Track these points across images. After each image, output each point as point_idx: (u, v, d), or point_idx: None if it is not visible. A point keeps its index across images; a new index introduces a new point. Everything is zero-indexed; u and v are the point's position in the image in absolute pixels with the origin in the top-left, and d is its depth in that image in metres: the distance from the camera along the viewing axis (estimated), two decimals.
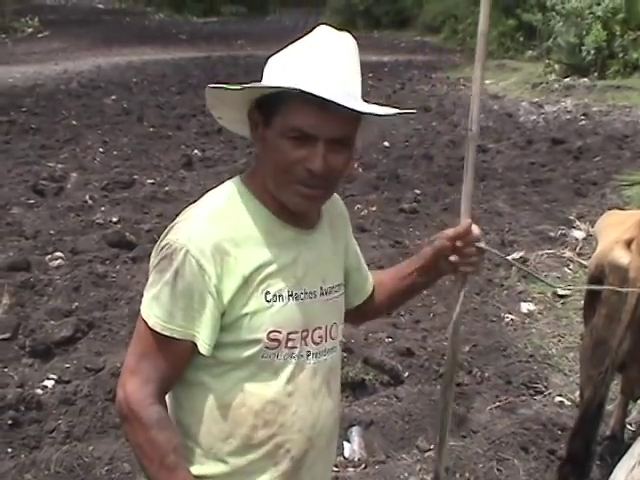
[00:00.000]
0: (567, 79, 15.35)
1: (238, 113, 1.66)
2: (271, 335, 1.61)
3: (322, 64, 1.54)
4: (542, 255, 6.48)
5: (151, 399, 1.58)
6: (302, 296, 1.66)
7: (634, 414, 4.05)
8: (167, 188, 8.09)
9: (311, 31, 1.61)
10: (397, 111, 1.58)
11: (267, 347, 1.62)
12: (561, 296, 5.75)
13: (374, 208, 7.57)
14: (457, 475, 3.51)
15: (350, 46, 1.59)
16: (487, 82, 16.96)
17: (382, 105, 1.60)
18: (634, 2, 15.42)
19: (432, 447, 3.70)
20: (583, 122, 12.31)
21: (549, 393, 4.37)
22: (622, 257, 2.69)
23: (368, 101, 1.59)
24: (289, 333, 1.64)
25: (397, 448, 3.71)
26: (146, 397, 1.58)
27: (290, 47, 1.59)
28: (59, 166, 8.91)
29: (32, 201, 7.50)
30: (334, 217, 1.83)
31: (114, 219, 6.88)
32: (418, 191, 8.34)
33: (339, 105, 1.47)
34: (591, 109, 13.27)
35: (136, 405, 1.58)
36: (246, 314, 1.59)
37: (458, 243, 1.83)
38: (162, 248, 1.60)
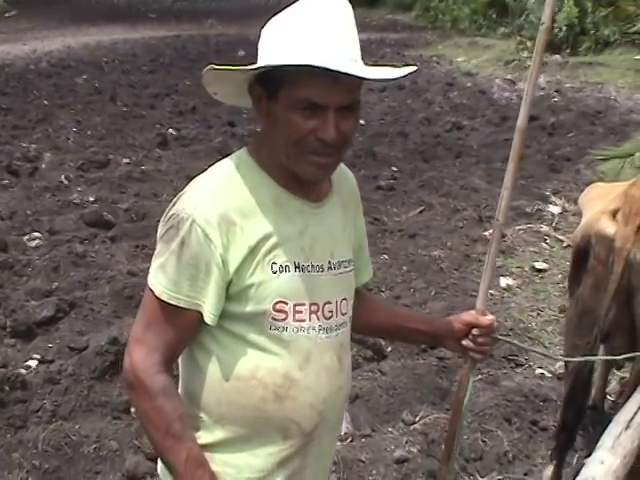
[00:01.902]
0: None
1: (235, 88, 1.65)
2: (277, 306, 1.61)
3: (324, 33, 1.52)
4: (519, 230, 6.54)
5: (157, 367, 1.59)
6: (309, 268, 1.65)
7: (613, 384, 4.12)
8: (143, 167, 8.04)
9: None
10: (406, 72, 1.57)
11: (274, 318, 1.61)
12: (539, 270, 5.82)
13: None
14: (441, 447, 3.54)
15: (346, 8, 1.57)
16: (460, 59, 17.03)
17: (380, 66, 1.59)
18: None
19: (417, 420, 3.75)
20: (556, 99, 12.38)
21: (529, 365, 4.43)
22: (608, 227, 2.73)
23: (367, 63, 1.59)
24: (296, 305, 1.63)
25: (382, 422, 3.75)
26: (152, 365, 1.59)
27: (283, 16, 1.56)
28: (33, 146, 8.81)
29: (6, 181, 7.42)
30: (346, 194, 1.82)
31: (91, 199, 6.82)
32: (395, 168, 8.37)
33: (351, 75, 1.47)
34: (564, 86, 13.34)
35: (142, 373, 1.59)
36: (252, 284, 1.59)
37: (474, 331, 1.91)
38: (169, 218, 1.60)
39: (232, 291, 1.59)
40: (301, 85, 1.52)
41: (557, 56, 15.13)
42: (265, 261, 1.60)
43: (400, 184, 7.83)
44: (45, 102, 11.56)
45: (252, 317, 1.61)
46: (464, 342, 1.93)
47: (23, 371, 3.93)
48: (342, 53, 1.52)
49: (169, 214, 1.61)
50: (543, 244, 6.34)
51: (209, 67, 1.57)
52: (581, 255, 2.89)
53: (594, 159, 8.56)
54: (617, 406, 3.80)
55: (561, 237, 6.42)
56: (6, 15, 25.89)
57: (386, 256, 5.90)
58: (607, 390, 3.99)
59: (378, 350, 4.34)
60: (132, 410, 3.64)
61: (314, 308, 1.66)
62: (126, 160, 8.36)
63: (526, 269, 5.85)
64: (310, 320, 1.66)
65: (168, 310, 1.58)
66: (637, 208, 2.69)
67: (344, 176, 1.85)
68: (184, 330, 1.62)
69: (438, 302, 5.11)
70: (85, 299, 4.71)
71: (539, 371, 4.36)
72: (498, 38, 18.73)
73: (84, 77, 13.87)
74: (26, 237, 5.83)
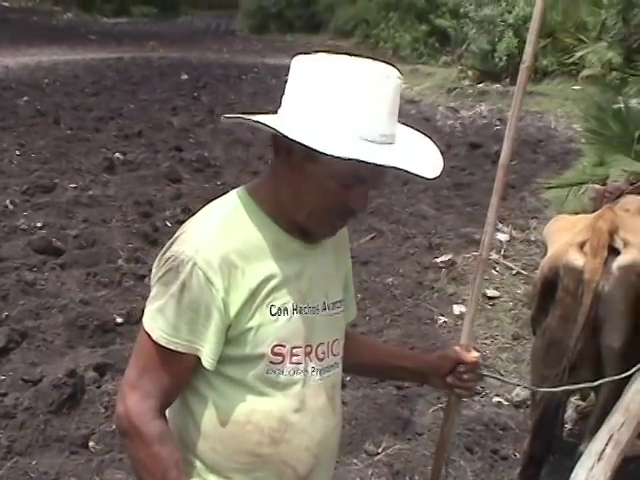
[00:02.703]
0: (481, 85, 15.69)
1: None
2: (275, 349, 1.60)
3: (385, 117, 1.50)
4: (469, 258, 6.62)
5: (152, 413, 1.56)
6: (306, 310, 1.65)
7: (569, 412, 4.17)
8: (91, 192, 7.90)
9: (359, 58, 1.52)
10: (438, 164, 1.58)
11: (271, 362, 1.60)
12: (490, 298, 5.89)
13: None
14: (407, 478, 3.55)
15: (400, 86, 1.55)
16: (402, 86, 17.24)
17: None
18: (544, 11, 15.89)
19: (380, 450, 3.74)
20: (498, 127, 12.60)
21: (487, 394, 4.47)
22: (577, 259, 2.79)
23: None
24: (293, 348, 1.62)
25: (345, 453, 3.72)
26: (147, 411, 1.56)
27: (336, 77, 1.48)
28: None
29: None
30: (338, 236, 1.79)
31: (38, 224, 6.67)
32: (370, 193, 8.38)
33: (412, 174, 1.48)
34: (505, 114, 13.58)
35: (137, 419, 1.55)
36: (251, 328, 1.57)
37: (460, 368, 1.91)
38: (167, 260, 1.57)
39: (230, 335, 1.58)
40: (355, 163, 1.44)
41: (498, 85, 15.44)
42: (264, 304, 1.58)
43: None
44: None
45: (249, 361, 1.60)
46: (449, 379, 1.92)
47: None
48: (393, 133, 1.53)
49: (166, 255, 1.58)
50: (493, 271, 6.41)
51: (252, 119, 1.49)
52: (548, 286, 2.94)
53: (538, 187, 8.77)
54: (575, 434, 3.88)
55: (510, 264, 6.51)
56: None
57: None
58: (564, 417, 4.05)
59: None
60: (91, 444, 3.56)
61: (308, 350, 1.66)
62: (73, 185, 8.21)
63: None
64: (305, 362, 1.65)
65: (165, 355, 1.55)
66: (604, 241, 2.75)
67: None
68: (180, 375, 1.59)
69: (394, 330, 5.14)
70: (37, 329, 4.60)
71: (496, 399, 4.41)
72: (439, 66, 19.05)
73: (25, 99, 13.61)
74: None
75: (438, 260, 6.53)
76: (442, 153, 1.65)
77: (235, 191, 1.67)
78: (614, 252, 2.80)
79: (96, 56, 21.67)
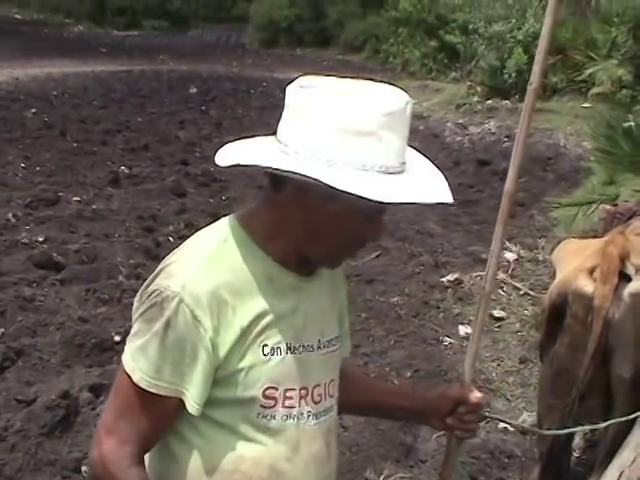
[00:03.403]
0: (489, 101, 15.61)
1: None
2: (267, 392, 1.48)
3: (402, 142, 1.43)
4: (476, 277, 6.51)
5: (130, 460, 1.44)
6: (300, 349, 1.54)
7: (577, 440, 4.06)
8: (94, 206, 7.83)
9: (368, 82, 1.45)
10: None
11: (262, 406, 1.49)
12: (497, 319, 5.77)
13: None
14: None
15: (409, 109, 1.46)
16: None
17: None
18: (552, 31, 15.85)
19: (382, 479, 3.63)
20: (507, 144, 12.50)
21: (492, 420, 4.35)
22: (586, 285, 2.68)
23: None
24: (286, 390, 1.51)
25: None
26: (124, 458, 1.44)
27: (353, 108, 1.38)
28: None
29: None
30: None
31: (40, 238, 6.59)
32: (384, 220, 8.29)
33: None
34: (514, 131, 13.47)
35: (113, 467, 1.43)
36: (242, 369, 1.46)
37: (461, 408, 1.77)
38: (150, 294, 1.45)
39: (219, 376, 1.46)
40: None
41: (507, 101, 15.35)
42: (256, 343, 1.47)
43: None
44: None
45: (238, 404, 1.48)
46: (449, 420, 1.78)
47: None
48: (402, 159, 1.45)
49: (150, 289, 1.46)
50: (500, 292, 6.30)
51: (262, 165, 1.39)
52: (557, 312, 2.84)
53: (547, 206, 8.67)
54: (582, 463, 3.77)
55: (518, 284, 6.40)
56: None
57: None
58: (572, 445, 3.93)
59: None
60: (83, 469, 3.45)
61: (304, 392, 1.54)
62: (76, 198, 8.14)
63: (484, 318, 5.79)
64: (299, 406, 1.54)
65: (146, 397, 1.44)
66: (615, 266, 2.65)
67: None
68: (162, 419, 1.48)
69: (398, 351, 5.03)
70: (34, 347, 4.50)
71: (502, 425, 4.28)
72: (448, 82, 18.97)
73: (33, 111, 13.61)
74: None
75: (444, 279, 6.42)
76: (442, 170, 1.58)
77: (225, 219, 1.56)
78: (625, 278, 2.70)
79: (106, 69, 21.74)
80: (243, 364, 1.46)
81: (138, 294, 1.49)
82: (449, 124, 14.14)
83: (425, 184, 1.46)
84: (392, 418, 1.93)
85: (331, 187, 1.33)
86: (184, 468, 1.50)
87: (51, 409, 3.71)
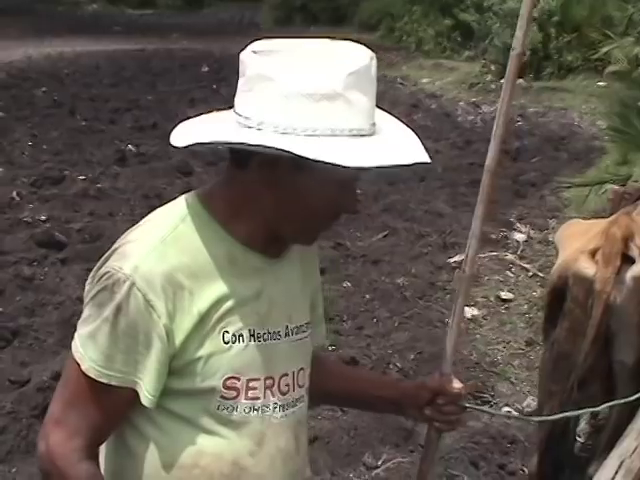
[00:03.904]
0: (503, 80, 15.40)
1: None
2: (228, 382, 1.38)
3: (371, 102, 1.35)
4: (484, 258, 6.40)
5: (80, 454, 1.35)
6: (265, 336, 1.44)
7: (582, 424, 3.96)
8: (99, 185, 7.76)
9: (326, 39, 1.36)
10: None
11: (223, 397, 1.39)
12: (504, 300, 5.68)
13: None
14: None
15: (374, 66, 1.36)
16: (424, 81, 16.99)
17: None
18: (569, 5, 15.59)
19: (380, 464, 3.56)
20: (520, 123, 12.33)
21: (496, 403, 4.27)
22: (587, 268, 2.57)
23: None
24: (249, 380, 1.41)
25: (343, 465, 3.55)
26: (74, 452, 1.35)
27: (315, 69, 1.28)
28: None
29: None
30: (306, 248, 1.59)
31: (43, 217, 6.53)
32: (358, 191, 8.15)
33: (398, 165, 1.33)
34: (527, 110, 13.32)
35: (62, 461, 1.34)
36: (200, 357, 1.36)
37: (439, 399, 1.66)
38: (102, 277, 1.35)
39: (175, 365, 1.36)
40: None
41: (521, 80, 15.14)
42: (216, 330, 1.37)
43: (364, 207, 7.63)
44: (1, 114, 11.20)
45: (197, 395, 1.38)
46: (427, 411, 1.67)
47: None
48: (372, 120, 1.36)
49: (101, 271, 1.36)
50: (508, 273, 6.20)
51: (239, 142, 1.29)
52: (557, 295, 2.73)
53: (559, 186, 8.53)
54: (588, 448, 3.67)
55: (526, 265, 6.29)
56: None
57: (348, 283, 5.72)
58: (577, 430, 3.84)
59: None
60: None
61: (269, 383, 1.44)
62: (82, 177, 8.07)
63: (491, 299, 5.70)
64: (264, 397, 1.44)
65: (96, 388, 1.34)
66: (617, 248, 2.53)
67: None
68: (114, 410, 1.38)
69: (402, 333, 4.95)
70: (30, 327, 4.45)
71: (506, 409, 4.19)
72: (462, 61, 18.73)
73: (43, 89, 13.51)
74: None
75: (452, 260, 6.32)
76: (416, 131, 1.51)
77: (184, 197, 1.46)
78: (628, 261, 2.58)
79: (119, 47, 21.58)
80: (201, 352, 1.36)
81: (90, 276, 1.40)
82: (462, 103, 13.95)
83: (399, 145, 1.38)
84: (368, 409, 1.83)
85: (300, 157, 1.24)
86: (140, 463, 1.41)
87: (42, 390, 3.65)
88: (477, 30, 18.88)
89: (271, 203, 1.39)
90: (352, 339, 4.80)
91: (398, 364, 4.49)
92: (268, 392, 1.44)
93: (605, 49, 13.43)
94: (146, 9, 35.62)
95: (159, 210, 1.46)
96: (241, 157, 1.37)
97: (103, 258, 1.39)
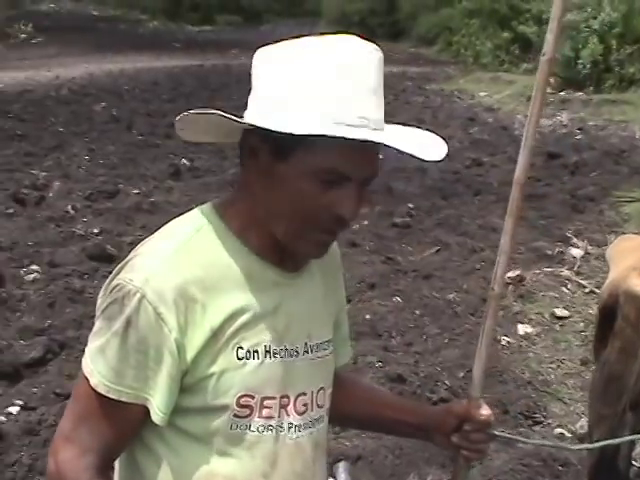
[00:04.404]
0: (563, 93, 15.16)
1: (215, 128, 1.35)
2: (242, 400, 1.32)
3: (361, 89, 1.25)
4: (539, 274, 6.26)
5: (91, 472, 1.30)
6: (282, 353, 1.37)
7: (638, 449, 3.81)
8: (153, 199, 7.82)
9: (326, 35, 1.30)
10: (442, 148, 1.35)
11: (237, 415, 1.32)
12: (559, 318, 5.52)
13: (366, 222, 7.33)
14: None
15: (379, 57, 1.30)
16: (481, 94, 16.82)
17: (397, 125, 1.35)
18: (631, 16, 15.30)
19: None
20: (579, 136, 12.10)
21: (548, 423, 4.14)
22: (638, 285, 2.45)
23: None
24: (264, 399, 1.34)
25: None
26: (84, 470, 1.29)
27: (301, 54, 1.26)
28: (42, 174, 8.63)
29: (11, 210, 7.21)
30: (328, 261, 1.52)
31: (95, 230, 6.60)
32: (411, 205, 8.10)
33: (392, 148, 1.23)
34: (587, 123, 13.07)
35: (71, 479, 1.29)
36: (212, 374, 1.30)
37: (466, 426, 1.56)
38: (112, 289, 1.31)
39: (187, 382, 1.31)
40: (325, 150, 1.23)
41: (581, 93, 14.90)
42: (230, 345, 1.31)
43: (416, 222, 7.57)
44: (60, 129, 11.42)
45: (209, 413, 1.32)
46: (454, 439, 1.57)
47: (3, 418, 3.68)
48: (374, 115, 1.26)
49: (113, 284, 1.31)
50: (564, 289, 6.04)
51: (211, 112, 1.28)
52: (608, 314, 2.61)
53: (618, 200, 8.31)
54: None
55: (583, 282, 6.12)
56: (33, 41, 25.99)
57: (398, 298, 5.63)
58: (633, 455, 3.69)
59: None
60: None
61: (285, 402, 1.37)
62: (136, 190, 8.16)
63: (546, 316, 5.55)
64: (279, 416, 1.37)
65: (106, 404, 1.29)
66: None
67: None
68: (125, 427, 1.33)
69: (452, 350, 4.84)
70: (77, 339, 4.46)
71: (558, 430, 4.06)
72: (520, 73, 18.51)
73: (103, 105, 13.75)
74: (23, 270, 5.60)
75: (506, 275, 6.16)
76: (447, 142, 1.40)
77: (200, 207, 1.41)
78: None
79: (178, 63, 21.90)
80: (214, 369, 1.30)
81: (103, 288, 1.35)
82: (519, 116, 13.73)
83: (393, 135, 1.28)
84: (393, 433, 1.73)
85: (267, 134, 1.22)
86: None
87: None
88: (536, 42, 18.62)
89: (260, 200, 1.34)
90: (400, 356, 4.71)
91: (447, 382, 4.38)
92: (283, 411, 1.38)
93: None
94: (205, 25, 36.12)
95: (175, 220, 1.40)
96: (241, 152, 1.35)
97: (116, 270, 1.35)
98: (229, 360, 1.31)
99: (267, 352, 1.34)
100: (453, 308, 5.53)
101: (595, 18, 15.24)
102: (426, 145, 1.33)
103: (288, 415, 1.38)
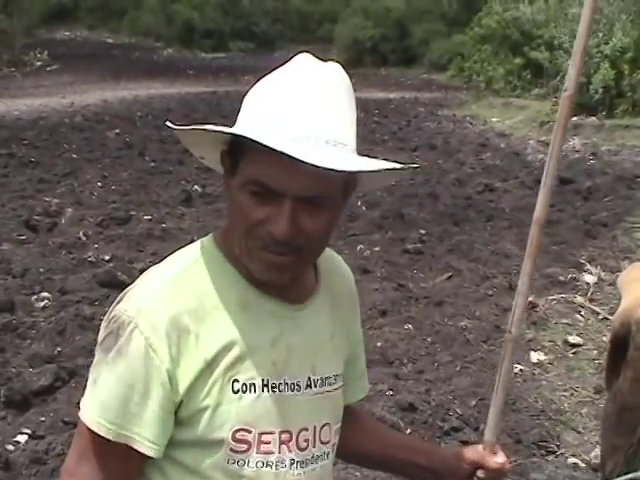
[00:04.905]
0: (575, 118, 15.13)
1: (218, 153, 1.35)
2: (238, 435, 1.28)
3: (291, 99, 1.22)
4: (552, 300, 6.20)
5: None
6: (282, 387, 1.32)
7: None
8: (164, 225, 7.84)
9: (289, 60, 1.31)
10: (385, 166, 1.25)
11: (233, 450, 1.28)
12: (573, 345, 5.46)
13: (377, 248, 7.32)
14: None
15: (332, 78, 1.26)
16: (493, 120, 16.85)
17: (375, 158, 1.29)
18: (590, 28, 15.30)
19: None
20: (592, 161, 12.08)
21: (561, 453, 4.07)
22: None
23: (368, 155, 1.29)
24: (262, 433, 1.30)
25: None
26: None
27: (264, 78, 1.29)
28: (55, 201, 8.68)
29: (24, 237, 7.24)
30: (339, 292, 1.48)
31: (106, 257, 6.61)
32: (423, 231, 8.07)
33: (296, 159, 1.15)
34: (600, 148, 13.05)
35: None
36: (207, 407, 1.26)
37: (479, 473, 1.51)
38: (110, 320, 1.29)
39: (181, 415, 1.27)
40: (257, 162, 1.22)
41: (593, 118, 14.89)
42: (225, 378, 1.27)
43: (428, 248, 7.54)
44: (74, 156, 11.51)
45: (205, 447, 1.28)
46: None
47: (10, 447, 3.65)
48: (312, 131, 1.21)
49: (111, 315, 1.30)
50: (577, 316, 5.98)
51: (167, 125, 1.31)
52: (620, 343, 2.55)
53: (632, 226, 8.26)
54: None
55: (597, 309, 6.06)
56: (48, 69, 26.28)
57: (410, 325, 5.59)
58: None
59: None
60: None
61: (285, 437, 1.33)
62: (147, 217, 8.18)
63: (559, 343, 5.49)
64: (280, 452, 1.32)
65: (99, 441, 1.25)
66: None
67: (338, 270, 1.52)
68: (127, 463, 1.28)
69: (463, 378, 4.79)
70: (87, 367, 4.39)
71: (572, 460, 4.00)
72: (532, 99, 18.56)
73: (116, 131, 13.86)
74: (34, 297, 5.60)
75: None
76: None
77: (202, 239, 1.40)
78: None
79: (191, 90, 22.08)
80: (208, 401, 1.26)
81: (104, 318, 1.34)
82: (531, 142, 13.76)
83: (334, 154, 1.22)
84: (404, 475, 1.66)
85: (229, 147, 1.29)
86: None
87: None
88: (548, 68, 18.66)
89: (229, 218, 1.35)
90: (411, 384, 4.66)
91: (458, 411, 4.33)
92: (284, 447, 1.33)
93: None
94: (219, 52, 36.41)
95: (178, 252, 1.39)
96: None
97: (116, 300, 1.33)
98: (224, 393, 1.27)
99: (265, 386, 1.31)
100: (465, 335, 5.48)
101: (607, 43, 15.26)
102: (368, 163, 1.25)
103: (290, 451, 1.34)
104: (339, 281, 1.51)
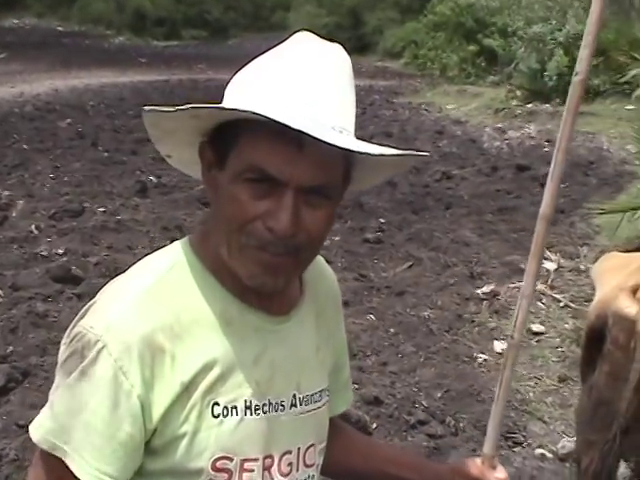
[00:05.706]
0: (529, 105, 15.23)
1: (189, 150, 1.23)
2: (218, 464, 1.17)
3: (295, 81, 1.12)
4: (513, 288, 6.18)
5: None
6: (265, 408, 1.22)
7: (622, 469, 3.72)
8: (119, 217, 7.63)
9: (288, 38, 1.20)
10: (399, 152, 1.15)
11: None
12: (535, 333, 5.44)
13: (337, 238, 7.22)
14: None
15: (337, 60, 1.17)
16: (449, 107, 16.85)
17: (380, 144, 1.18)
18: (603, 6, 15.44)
19: None
20: (547, 148, 12.12)
21: (529, 444, 4.04)
22: (628, 307, 2.35)
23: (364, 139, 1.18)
24: (244, 461, 1.19)
25: None
26: None
27: (258, 58, 1.18)
28: (5, 193, 8.39)
29: None
30: (323, 297, 1.39)
31: (60, 251, 6.40)
32: (382, 220, 8.01)
33: (315, 138, 1.04)
34: (554, 135, 13.00)
35: None
36: (184, 434, 1.15)
37: None
38: (73, 338, 1.16)
39: (155, 443, 1.15)
40: (254, 147, 1.10)
41: (547, 105, 14.96)
42: (204, 401, 1.16)
43: (388, 237, 7.48)
44: (24, 146, 11.18)
45: (182, 477, 1.17)
46: None
47: None
48: (319, 115, 1.10)
49: (74, 331, 1.17)
50: (539, 304, 5.96)
51: (143, 110, 1.16)
52: (595, 336, 2.51)
53: (589, 212, 8.29)
54: None
55: (557, 296, 6.06)
56: None
57: (372, 316, 5.52)
58: (618, 474, 3.61)
59: (363, 427, 3.93)
60: None
61: (268, 462, 1.23)
62: (102, 209, 7.96)
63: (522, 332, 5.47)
64: (261, 478, 1.22)
65: (55, 464, 1.13)
66: None
67: (321, 273, 1.42)
68: None
69: (428, 369, 4.74)
70: (41, 367, 4.29)
71: (539, 451, 3.97)
72: (487, 86, 18.61)
73: (68, 121, 13.53)
74: None
75: (480, 291, 6.11)
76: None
77: (178, 243, 1.26)
78: None
79: (144, 78, 21.73)
80: (186, 428, 1.15)
81: (65, 334, 1.21)
82: (487, 129, 13.78)
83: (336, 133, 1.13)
84: None
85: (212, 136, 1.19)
86: None
87: None
88: (501, 55, 18.74)
89: (213, 220, 1.23)
90: (375, 376, 4.59)
91: (424, 403, 4.28)
92: (267, 474, 1.23)
93: (633, 72, 13.18)
94: (171, 40, 35.94)
95: (148, 257, 1.26)
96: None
97: (81, 313, 1.21)
98: (203, 418, 1.16)
99: (247, 408, 1.20)
100: (428, 325, 5.43)
101: (560, 30, 15.33)
102: (377, 148, 1.16)
103: (272, 477, 1.24)
104: (323, 285, 1.42)
